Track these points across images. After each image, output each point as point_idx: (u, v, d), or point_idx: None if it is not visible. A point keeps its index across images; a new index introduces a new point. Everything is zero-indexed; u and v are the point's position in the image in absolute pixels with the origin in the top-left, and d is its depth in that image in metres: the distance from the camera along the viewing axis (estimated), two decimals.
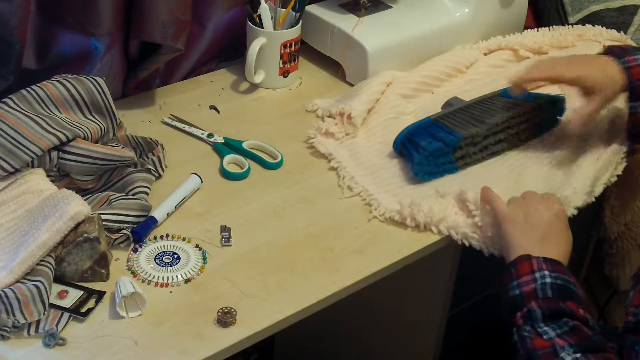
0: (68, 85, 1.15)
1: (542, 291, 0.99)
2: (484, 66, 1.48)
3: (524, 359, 0.97)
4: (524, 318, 0.99)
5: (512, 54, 1.51)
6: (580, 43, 1.50)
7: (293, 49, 1.43)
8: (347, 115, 1.30)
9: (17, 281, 0.95)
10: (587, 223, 1.59)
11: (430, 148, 1.20)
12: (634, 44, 1.51)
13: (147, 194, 1.13)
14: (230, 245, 1.09)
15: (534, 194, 1.12)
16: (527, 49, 1.50)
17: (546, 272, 1.01)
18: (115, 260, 1.05)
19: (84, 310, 0.97)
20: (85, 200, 1.05)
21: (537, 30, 1.54)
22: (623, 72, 1.20)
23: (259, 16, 1.41)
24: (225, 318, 0.96)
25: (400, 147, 1.25)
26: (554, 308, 0.97)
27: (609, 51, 1.26)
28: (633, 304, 0.91)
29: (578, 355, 0.93)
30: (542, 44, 1.50)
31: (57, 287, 0.99)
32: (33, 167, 1.08)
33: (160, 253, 1.07)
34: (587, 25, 1.53)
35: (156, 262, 1.05)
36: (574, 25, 1.54)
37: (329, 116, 1.34)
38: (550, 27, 1.54)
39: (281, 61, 1.43)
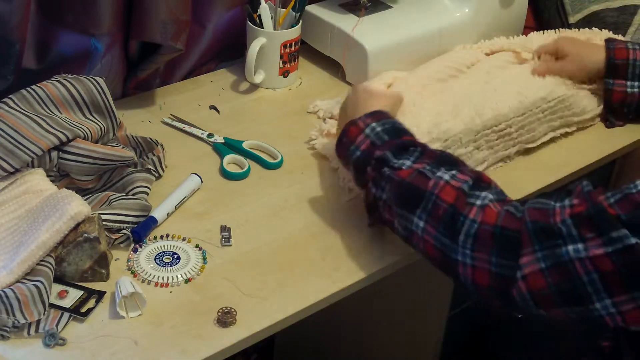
0: (68, 85, 1.15)
1: (379, 140, 1.06)
2: (486, 67, 1.47)
3: (396, 193, 1.01)
4: (376, 166, 1.04)
5: (514, 55, 1.50)
6: None
7: (293, 49, 1.43)
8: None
9: (17, 281, 0.95)
10: None
11: None
12: None
13: (147, 194, 1.13)
14: (230, 245, 1.09)
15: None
16: (530, 52, 1.49)
17: (374, 124, 1.07)
18: (115, 260, 1.05)
19: (84, 310, 0.97)
20: (85, 200, 1.05)
21: (543, 33, 1.53)
22: (607, 51, 1.32)
23: (259, 16, 1.41)
24: (225, 318, 0.96)
25: None
26: (396, 144, 1.04)
27: (608, 39, 1.37)
28: None
29: (454, 171, 0.98)
30: None
31: (57, 287, 0.99)
32: (33, 167, 1.08)
33: (160, 253, 1.07)
34: (594, 29, 1.49)
35: (156, 262, 1.05)
36: (581, 29, 1.51)
37: (331, 117, 1.34)
38: (557, 30, 1.52)
39: (281, 61, 1.43)
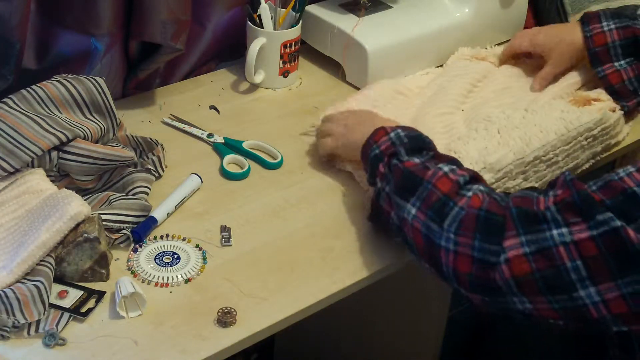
0: (68, 85, 1.15)
1: (398, 140, 1.07)
2: (500, 77, 1.46)
3: (397, 182, 1.02)
4: (387, 162, 1.05)
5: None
6: None
7: (293, 49, 1.43)
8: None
9: (17, 281, 0.95)
10: None
11: None
12: None
13: (147, 194, 1.13)
14: (230, 245, 1.09)
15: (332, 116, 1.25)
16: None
17: (399, 131, 1.08)
18: (115, 260, 1.05)
19: (84, 310, 0.97)
20: (85, 200, 1.05)
21: None
22: (585, 41, 1.34)
23: (259, 16, 1.41)
24: (225, 318, 0.96)
25: None
26: (413, 146, 1.06)
27: (583, 18, 1.37)
28: None
29: (453, 166, 1.00)
30: None
31: (57, 287, 0.99)
32: (33, 167, 1.08)
33: (160, 253, 1.07)
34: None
35: (156, 262, 1.05)
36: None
37: None
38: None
39: (281, 61, 1.43)
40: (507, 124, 1.24)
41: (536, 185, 1.22)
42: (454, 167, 1.00)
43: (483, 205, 0.93)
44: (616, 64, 1.32)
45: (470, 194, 0.96)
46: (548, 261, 0.87)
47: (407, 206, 1.00)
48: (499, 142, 1.20)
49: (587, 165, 1.30)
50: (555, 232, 0.87)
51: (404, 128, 1.10)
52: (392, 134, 1.08)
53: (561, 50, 1.36)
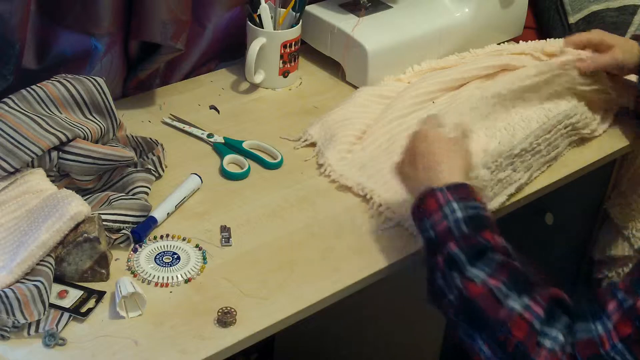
0: (68, 85, 1.15)
1: (457, 229, 0.97)
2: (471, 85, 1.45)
3: (465, 309, 0.94)
4: (447, 262, 0.96)
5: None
6: None
7: (293, 49, 1.43)
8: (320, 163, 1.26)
9: (17, 281, 0.95)
10: (581, 241, 1.57)
11: None
12: None
13: (147, 194, 1.13)
14: (230, 245, 1.09)
15: (413, 134, 1.10)
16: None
17: (455, 205, 0.98)
18: (115, 260, 1.05)
19: (84, 310, 0.97)
20: (85, 200, 1.05)
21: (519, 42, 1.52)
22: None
23: (259, 16, 1.41)
24: (225, 318, 0.96)
25: None
26: (474, 246, 0.95)
27: (635, 37, 1.37)
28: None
29: (526, 299, 0.91)
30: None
31: (57, 287, 0.99)
32: (33, 167, 1.08)
33: (160, 253, 1.07)
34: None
35: (156, 262, 1.05)
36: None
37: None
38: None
39: (281, 61, 1.43)
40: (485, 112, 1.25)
41: (525, 175, 1.21)
42: (526, 299, 0.91)
43: None
44: None
45: (548, 345, 0.89)
46: None
47: (477, 339, 0.93)
48: (485, 133, 1.21)
49: (564, 152, 1.31)
50: None
51: (457, 192, 1.00)
52: (446, 209, 0.98)
53: (624, 51, 1.31)
